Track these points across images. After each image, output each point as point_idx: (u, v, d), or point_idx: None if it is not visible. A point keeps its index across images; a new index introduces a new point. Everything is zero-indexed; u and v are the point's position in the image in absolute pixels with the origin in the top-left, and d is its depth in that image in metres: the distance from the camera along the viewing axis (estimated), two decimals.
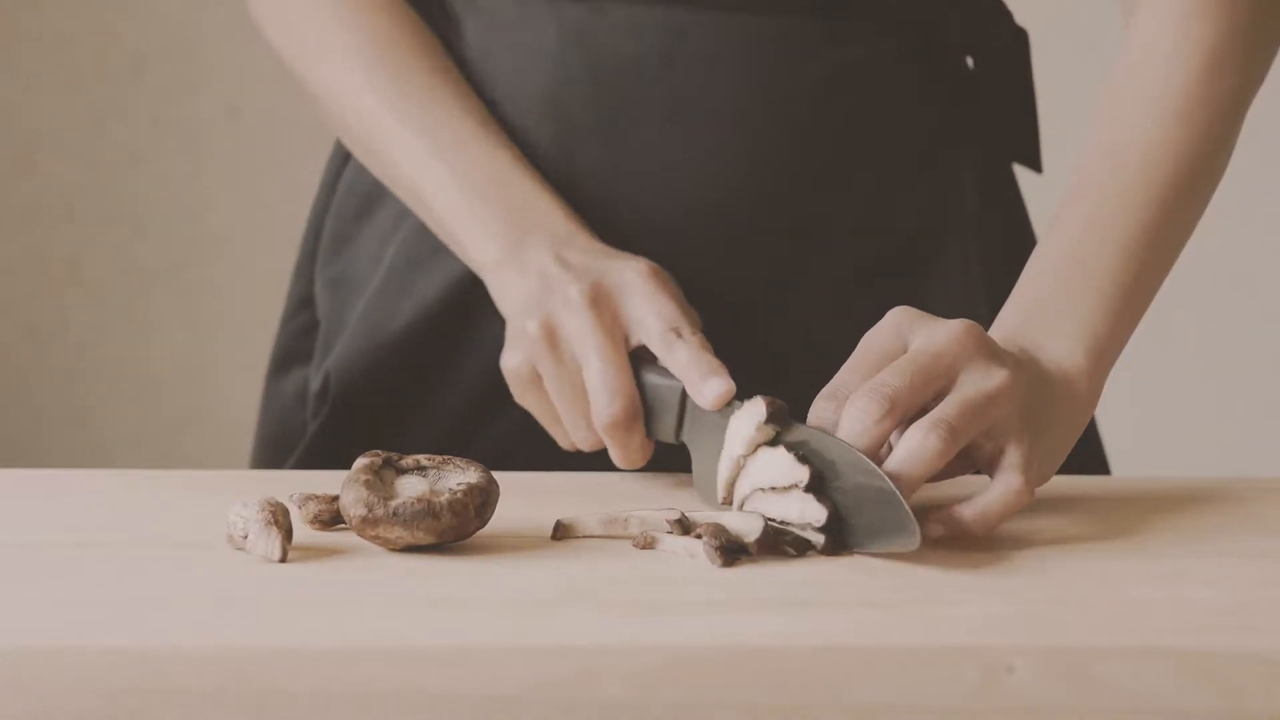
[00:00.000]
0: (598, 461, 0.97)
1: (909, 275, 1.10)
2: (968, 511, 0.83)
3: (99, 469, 1.05)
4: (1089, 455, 1.17)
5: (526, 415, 1.00)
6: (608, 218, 1.04)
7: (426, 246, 1.07)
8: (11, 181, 2.85)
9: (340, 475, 0.92)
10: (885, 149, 1.08)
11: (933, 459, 0.82)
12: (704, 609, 0.74)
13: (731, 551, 0.80)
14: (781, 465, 0.83)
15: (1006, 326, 0.92)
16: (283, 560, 0.80)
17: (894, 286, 1.08)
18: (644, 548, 0.82)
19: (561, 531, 0.84)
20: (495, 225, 1.01)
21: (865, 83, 1.07)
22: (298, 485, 0.88)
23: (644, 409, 0.94)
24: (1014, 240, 1.16)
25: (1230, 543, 0.85)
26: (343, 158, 1.17)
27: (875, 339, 0.87)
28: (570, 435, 0.97)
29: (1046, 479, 0.89)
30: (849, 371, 0.87)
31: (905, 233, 1.09)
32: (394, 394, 1.10)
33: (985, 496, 0.84)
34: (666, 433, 0.93)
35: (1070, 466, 1.13)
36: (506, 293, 0.99)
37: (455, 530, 0.81)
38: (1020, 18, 1.17)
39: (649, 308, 0.95)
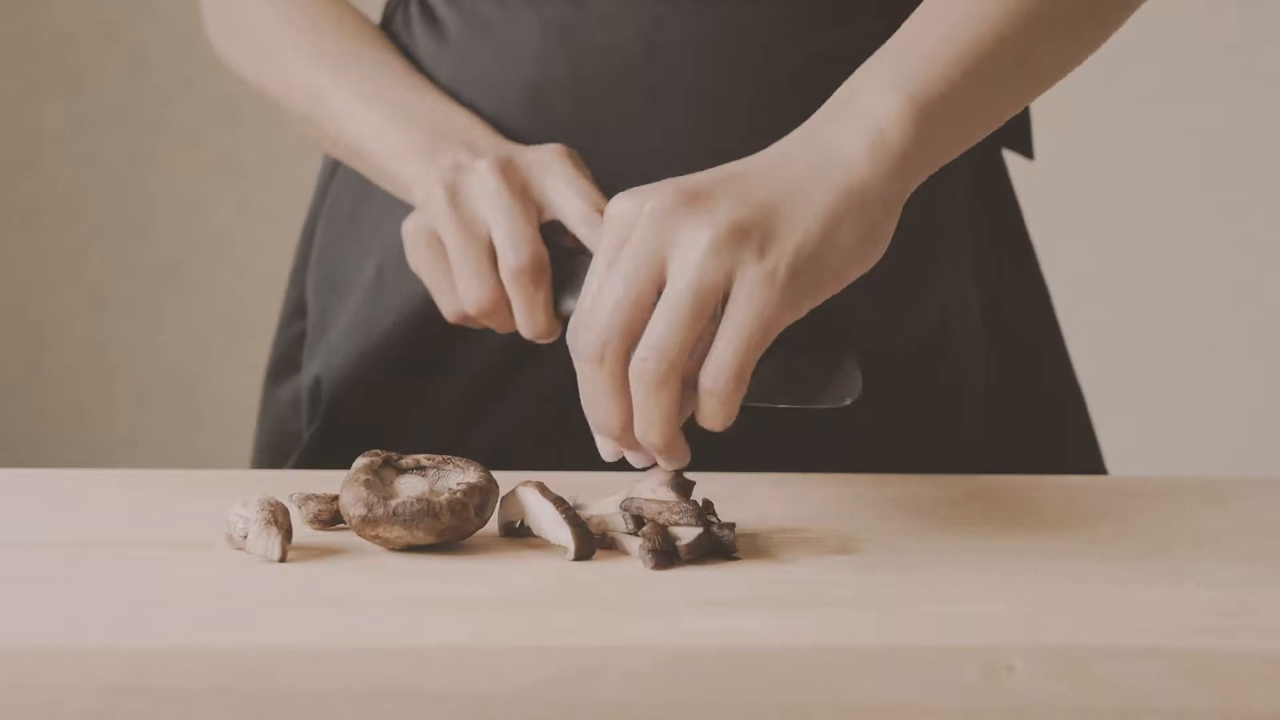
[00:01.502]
0: (596, 461, 0.97)
1: (898, 259, 1.10)
2: (704, 382, 0.80)
3: (99, 469, 1.05)
4: (1089, 455, 1.17)
5: (523, 414, 1.01)
6: None
7: None
8: (12, 181, 2.85)
9: (339, 475, 0.92)
10: None
11: (657, 401, 0.80)
12: (704, 609, 0.74)
13: (666, 555, 0.80)
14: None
15: (833, 95, 0.88)
16: (282, 560, 0.80)
17: (882, 270, 1.08)
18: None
19: (512, 529, 0.85)
20: (416, 143, 1.01)
21: (847, 69, 1.07)
22: (298, 485, 0.89)
23: (556, 281, 0.93)
24: (1004, 226, 1.16)
25: (1230, 543, 0.85)
26: (333, 165, 1.17)
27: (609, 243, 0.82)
28: (462, 296, 0.96)
29: (869, 256, 0.84)
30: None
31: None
32: (387, 396, 1.10)
33: (700, 420, 0.81)
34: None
35: (1070, 467, 1.14)
36: (422, 189, 1.00)
37: (455, 530, 0.81)
38: None
39: (569, 186, 0.95)
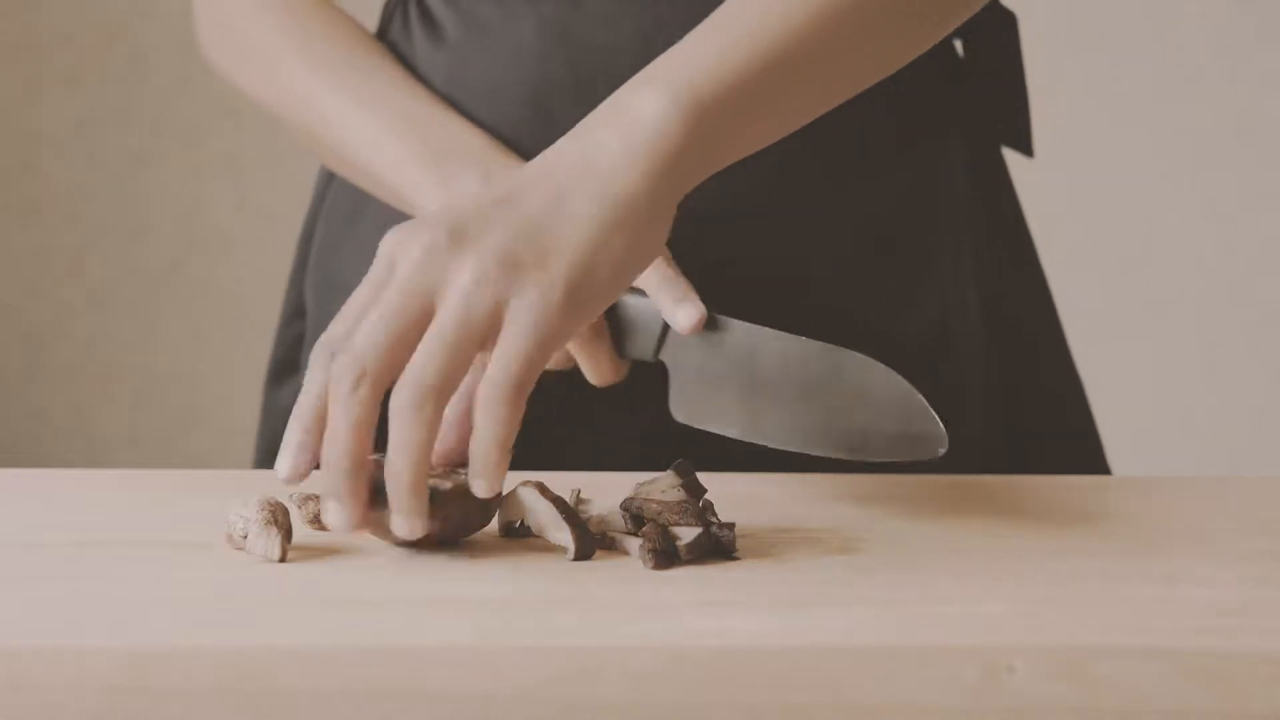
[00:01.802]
0: (595, 461, 0.97)
1: (897, 258, 1.10)
2: (473, 458, 0.79)
3: (99, 469, 1.05)
4: (1086, 454, 1.17)
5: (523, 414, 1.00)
6: None
7: None
8: (12, 181, 2.85)
9: None
10: (870, 131, 1.08)
11: (412, 430, 0.77)
12: (704, 609, 0.74)
13: (666, 555, 0.80)
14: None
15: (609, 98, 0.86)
16: (282, 560, 0.80)
17: (881, 269, 1.09)
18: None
19: (512, 528, 0.85)
20: (420, 157, 1.01)
21: None
22: (298, 485, 0.88)
23: (615, 328, 0.93)
24: (1004, 224, 1.16)
25: (1230, 543, 0.85)
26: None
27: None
28: None
29: (648, 249, 0.83)
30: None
31: (891, 215, 1.09)
32: (387, 397, 1.10)
33: (475, 436, 0.79)
34: (644, 351, 0.92)
35: (1070, 466, 1.14)
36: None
37: (456, 522, 0.81)
38: (1009, 1, 1.17)
39: None
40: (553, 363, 0.96)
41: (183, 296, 2.88)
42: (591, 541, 0.81)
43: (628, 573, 0.79)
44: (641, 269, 0.83)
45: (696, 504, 0.82)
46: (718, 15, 0.88)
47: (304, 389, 0.80)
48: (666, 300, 0.90)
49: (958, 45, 1.15)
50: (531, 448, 1.03)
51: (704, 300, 0.93)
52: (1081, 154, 2.73)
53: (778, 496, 0.93)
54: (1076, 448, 1.17)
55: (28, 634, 0.69)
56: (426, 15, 1.12)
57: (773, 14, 0.87)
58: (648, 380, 0.97)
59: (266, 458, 1.18)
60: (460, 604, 0.74)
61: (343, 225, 1.15)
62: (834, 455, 0.85)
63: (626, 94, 0.84)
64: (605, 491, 0.86)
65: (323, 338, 0.80)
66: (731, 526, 0.82)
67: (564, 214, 0.81)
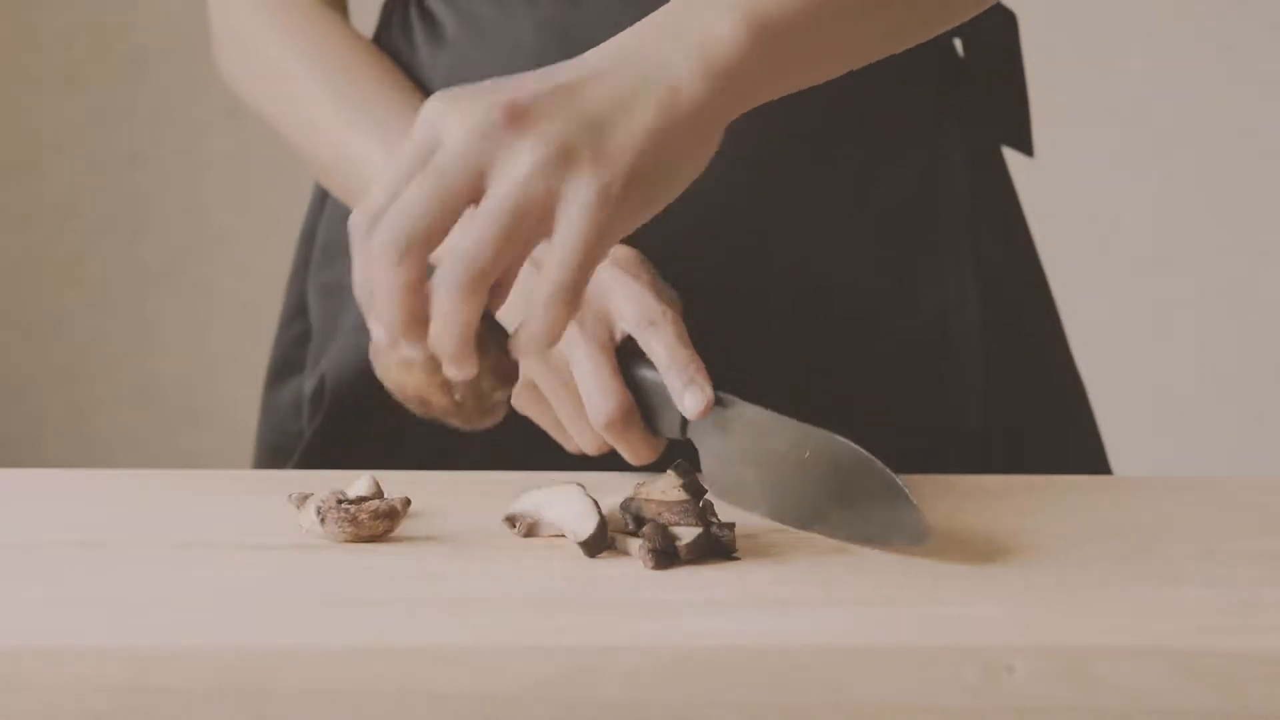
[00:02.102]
0: (595, 461, 0.97)
1: (897, 258, 1.10)
2: (519, 336, 0.79)
3: (99, 469, 1.05)
4: (1088, 453, 1.17)
5: (522, 416, 1.00)
6: None
7: None
8: (12, 181, 2.85)
9: (340, 475, 0.92)
10: (871, 130, 1.08)
11: (459, 308, 0.77)
12: (704, 609, 0.74)
13: (666, 555, 0.80)
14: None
15: (667, 5, 0.86)
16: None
17: (882, 269, 1.09)
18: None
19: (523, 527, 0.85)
20: None
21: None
22: (298, 485, 0.89)
23: (645, 404, 0.93)
24: (1004, 223, 1.16)
25: (1230, 543, 0.85)
26: None
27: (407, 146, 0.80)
28: (576, 440, 0.97)
29: (687, 169, 0.82)
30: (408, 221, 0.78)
31: (892, 215, 1.09)
32: (388, 400, 1.10)
33: (529, 323, 0.78)
34: (671, 429, 0.92)
35: (1070, 466, 1.14)
36: None
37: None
38: (1009, 0, 1.17)
39: (625, 297, 0.94)
40: (588, 447, 0.96)
41: (183, 296, 2.87)
42: (605, 538, 0.81)
43: (628, 573, 0.79)
44: (688, 182, 0.82)
45: (696, 504, 0.82)
46: None
47: (355, 271, 0.79)
48: (675, 384, 0.89)
49: (958, 44, 1.15)
50: (531, 448, 1.04)
51: (708, 301, 0.93)
52: (1081, 154, 2.73)
53: None
54: (1077, 446, 1.17)
55: (28, 634, 0.69)
56: (426, 15, 1.11)
57: None
58: None
59: (266, 457, 1.18)
60: (460, 604, 0.74)
61: (343, 233, 1.15)
62: (849, 543, 0.85)
63: (689, 9, 0.83)
64: (605, 491, 0.86)
65: (361, 209, 0.79)
66: (731, 526, 0.82)
67: (626, 117, 0.80)
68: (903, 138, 1.10)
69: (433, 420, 1.11)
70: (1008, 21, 1.15)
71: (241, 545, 0.82)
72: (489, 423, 0.83)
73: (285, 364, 1.19)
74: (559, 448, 1.00)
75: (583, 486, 0.84)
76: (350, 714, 0.67)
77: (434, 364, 0.80)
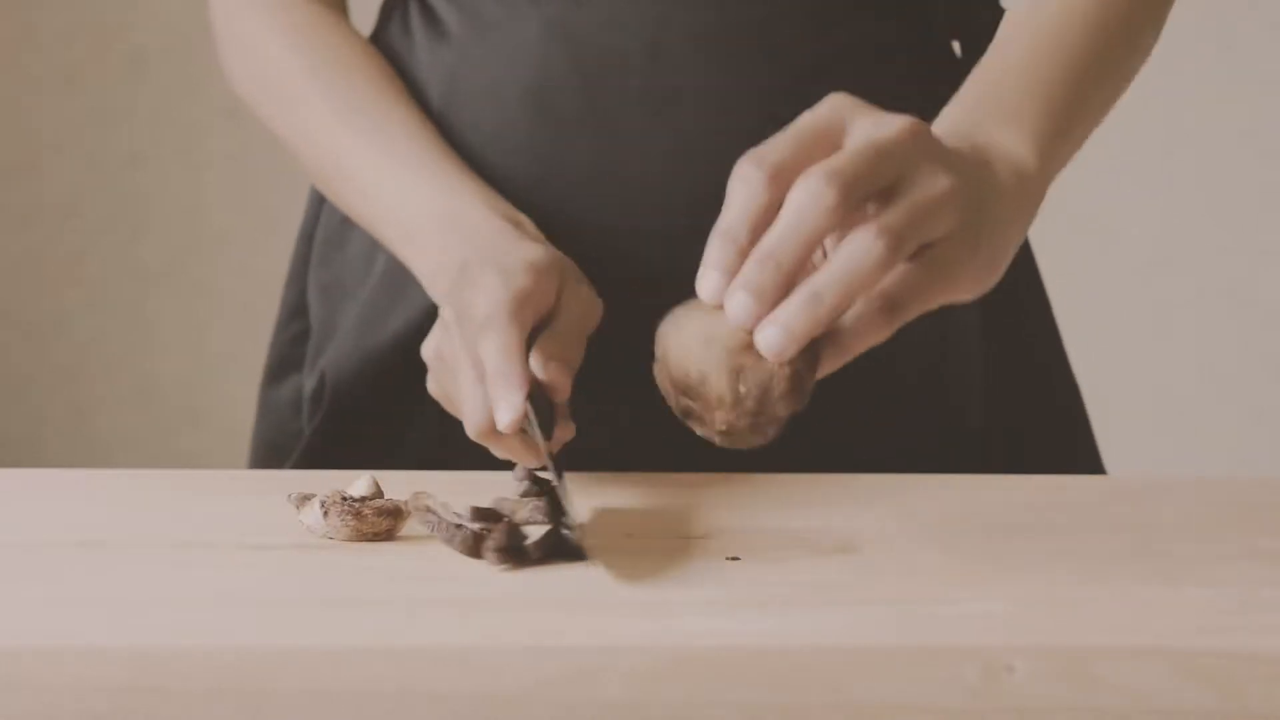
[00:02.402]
0: (594, 461, 0.97)
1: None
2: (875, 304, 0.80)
3: (99, 469, 1.05)
4: (1084, 453, 1.17)
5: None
6: (596, 213, 1.04)
7: None
8: (12, 181, 2.85)
9: (339, 475, 0.92)
10: None
11: (875, 269, 0.77)
12: (704, 609, 0.74)
13: (513, 553, 0.80)
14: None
15: (954, 120, 0.90)
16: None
17: None
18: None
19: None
20: (433, 244, 1.00)
21: (851, 69, 1.07)
22: (297, 485, 0.89)
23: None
24: None
25: (1230, 543, 0.85)
26: None
27: (810, 119, 0.82)
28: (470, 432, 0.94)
29: (989, 286, 0.86)
30: (785, 142, 0.80)
31: None
32: (387, 399, 1.10)
33: (897, 281, 0.80)
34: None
35: (1069, 466, 1.14)
36: (433, 293, 1.00)
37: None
38: (1007, 2, 1.17)
39: (484, 306, 0.90)
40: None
41: (183, 296, 2.87)
42: (478, 544, 0.81)
43: (627, 573, 0.79)
44: (988, 286, 0.85)
45: (545, 502, 0.82)
46: (1018, 47, 0.95)
47: (734, 204, 0.79)
48: (491, 393, 0.88)
49: (955, 46, 1.15)
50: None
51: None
52: (1081, 155, 2.73)
53: (777, 496, 0.93)
54: (1076, 446, 1.17)
55: (28, 634, 0.69)
56: (428, 12, 1.11)
57: (1065, 42, 0.95)
58: (626, 383, 0.97)
59: (263, 455, 1.18)
60: (460, 604, 0.74)
61: (342, 231, 1.15)
62: None
63: (991, 134, 0.88)
64: (606, 491, 0.86)
65: (752, 155, 0.79)
66: (579, 527, 0.81)
67: (1002, 224, 0.85)
68: None
69: (429, 423, 1.11)
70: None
71: (241, 545, 0.82)
72: (756, 441, 0.81)
73: (284, 362, 1.19)
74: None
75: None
76: (350, 714, 0.67)
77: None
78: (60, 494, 0.94)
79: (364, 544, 0.83)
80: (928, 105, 1.11)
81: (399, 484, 0.88)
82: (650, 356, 0.95)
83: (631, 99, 1.05)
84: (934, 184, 0.79)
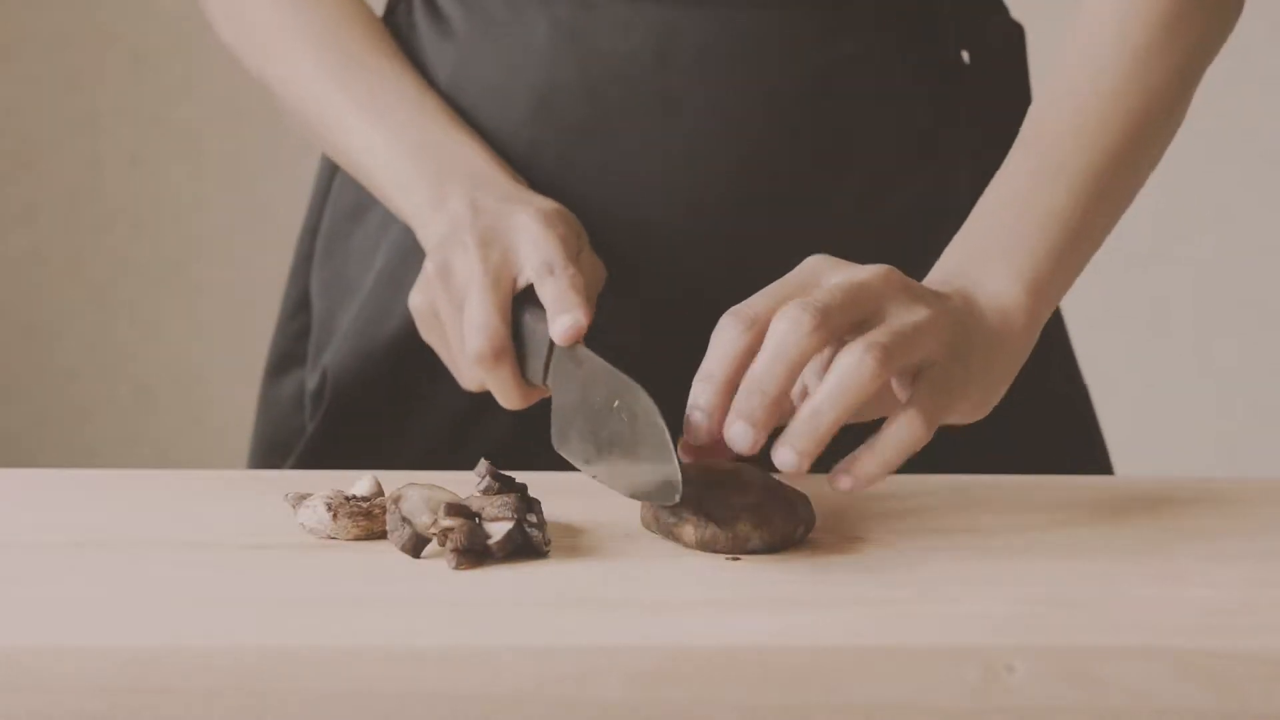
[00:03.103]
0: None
1: (905, 270, 1.10)
2: (864, 454, 0.83)
3: (99, 469, 1.05)
4: (1091, 455, 1.17)
5: (522, 415, 1.00)
6: (601, 216, 1.04)
7: (418, 247, 1.08)
8: (11, 181, 2.85)
9: (339, 474, 0.92)
10: (880, 144, 1.08)
11: (867, 382, 0.81)
12: (704, 609, 0.74)
13: (473, 554, 0.80)
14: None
15: (947, 265, 0.93)
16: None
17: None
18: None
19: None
20: (419, 177, 1.02)
21: (859, 77, 1.07)
22: (297, 485, 0.88)
23: (522, 350, 0.94)
24: None
25: (1230, 543, 0.85)
26: (334, 163, 1.17)
27: (788, 276, 0.86)
28: (461, 373, 0.98)
29: (982, 414, 0.89)
30: (761, 296, 0.85)
31: (900, 228, 1.09)
32: (389, 395, 1.10)
33: (882, 437, 0.83)
34: (537, 376, 0.93)
35: (1070, 466, 1.14)
36: (427, 238, 1.00)
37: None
38: (1017, 12, 1.17)
39: (533, 246, 0.95)
40: (469, 382, 0.97)
41: (183, 296, 2.87)
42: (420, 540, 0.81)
43: (628, 573, 0.79)
44: (973, 419, 0.89)
45: (508, 496, 0.82)
46: (1014, 185, 0.96)
47: (715, 350, 0.83)
48: (552, 310, 0.91)
49: (965, 56, 1.14)
50: (530, 448, 1.03)
51: (714, 314, 0.93)
52: None
53: None
54: (1083, 453, 1.16)
55: (28, 634, 0.69)
56: (434, 10, 1.11)
57: (1066, 180, 0.95)
58: None
59: (263, 450, 1.18)
60: (460, 604, 0.74)
61: (348, 222, 1.15)
62: (618, 491, 0.86)
63: (978, 278, 0.91)
64: (604, 491, 0.86)
65: (731, 310, 0.84)
66: (543, 525, 0.81)
67: (966, 352, 0.87)
68: (910, 152, 1.10)
69: (431, 419, 1.11)
70: (1015, 34, 1.15)
71: (241, 545, 0.82)
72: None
73: (286, 357, 1.18)
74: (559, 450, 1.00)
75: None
76: (350, 714, 0.67)
77: None
78: (60, 494, 0.94)
79: (364, 543, 0.83)
80: (935, 113, 1.11)
81: (399, 483, 0.88)
82: (651, 357, 0.96)
83: (638, 104, 1.05)
84: (912, 313, 0.84)
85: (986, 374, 0.88)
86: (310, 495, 0.85)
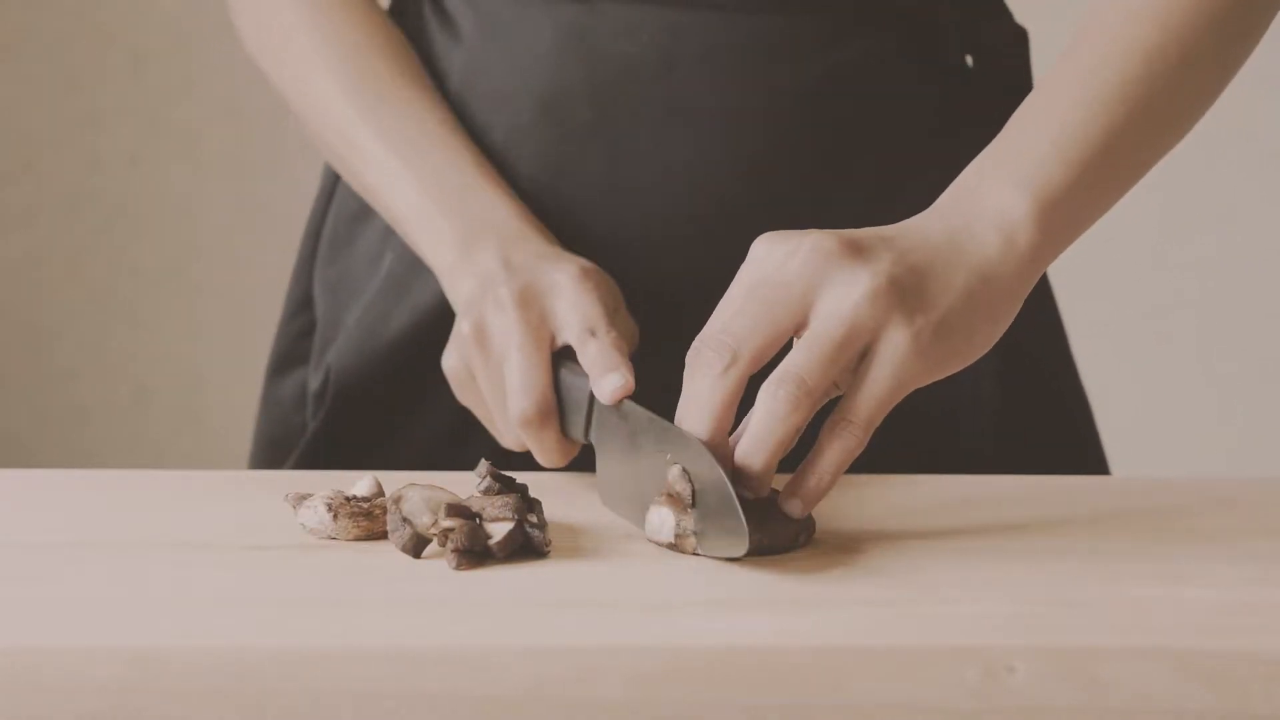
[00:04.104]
0: (591, 463, 0.97)
1: None
2: (807, 474, 0.82)
3: (98, 469, 1.05)
4: (1089, 455, 1.17)
5: None
6: (607, 220, 1.04)
7: None
8: (11, 181, 2.85)
9: (339, 474, 0.92)
10: (885, 147, 1.08)
11: (783, 425, 0.81)
12: (704, 609, 0.74)
13: (473, 554, 0.80)
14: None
15: (956, 188, 0.90)
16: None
17: None
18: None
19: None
20: (450, 231, 1.01)
21: (864, 82, 1.07)
22: (297, 485, 0.89)
23: (562, 407, 0.93)
24: None
25: (1230, 543, 0.85)
26: None
27: (745, 275, 0.85)
28: (502, 433, 0.97)
29: (979, 353, 0.87)
30: (732, 318, 0.84)
31: None
32: (391, 396, 1.10)
33: (817, 459, 0.82)
34: (578, 432, 0.92)
35: (1070, 466, 1.14)
36: (457, 295, 1.00)
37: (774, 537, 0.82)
38: (1021, 17, 1.17)
39: (572, 306, 0.95)
40: (511, 443, 0.97)
41: (183, 296, 2.87)
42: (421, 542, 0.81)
43: (628, 573, 0.79)
44: (987, 348, 0.87)
45: (509, 498, 0.82)
46: (1036, 109, 0.92)
47: (694, 403, 0.83)
48: (596, 372, 0.91)
49: (968, 60, 1.14)
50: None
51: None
52: None
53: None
54: (1078, 448, 1.16)
55: (28, 634, 0.69)
56: (442, 13, 1.11)
57: (1089, 105, 0.91)
58: None
59: (264, 449, 1.18)
60: (460, 604, 0.74)
61: (353, 222, 1.15)
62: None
63: (981, 191, 0.88)
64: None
65: (700, 336, 0.83)
66: (543, 526, 0.81)
67: (943, 270, 0.85)
68: (915, 155, 1.10)
69: (432, 420, 1.11)
70: (1019, 37, 1.15)
71: (241, 545, 0.82)
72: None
73: (288, 356, 1.18)
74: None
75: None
76: (350, 714, 0.67)
77: None
78: (59, 494, 0.94)
79: (364, 544, 0.83)
80: (939, 117, 1.11)
81: (400, 484, 0.88)
82: (653, 357, 0.95)
83: (643, 107, 1.05)
84: (844, 297, 0.82)
85: (972, 312, 0.85)
86: (310, 495, 0.85)
